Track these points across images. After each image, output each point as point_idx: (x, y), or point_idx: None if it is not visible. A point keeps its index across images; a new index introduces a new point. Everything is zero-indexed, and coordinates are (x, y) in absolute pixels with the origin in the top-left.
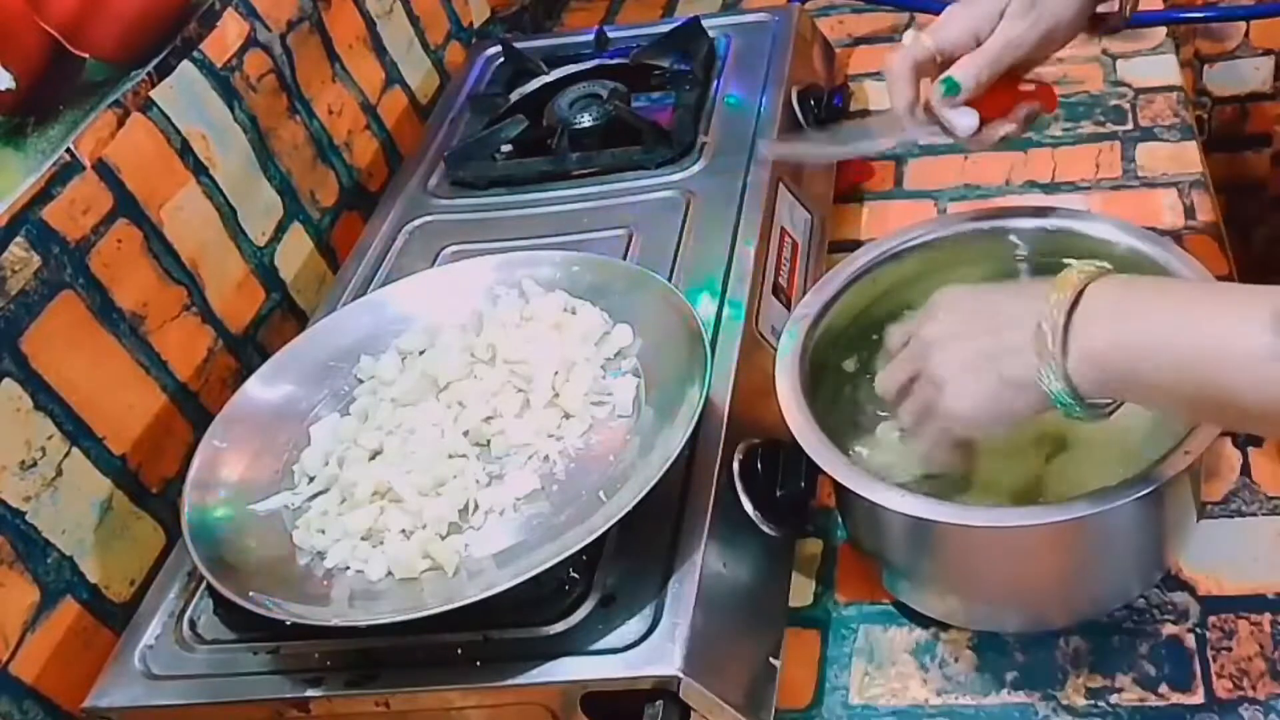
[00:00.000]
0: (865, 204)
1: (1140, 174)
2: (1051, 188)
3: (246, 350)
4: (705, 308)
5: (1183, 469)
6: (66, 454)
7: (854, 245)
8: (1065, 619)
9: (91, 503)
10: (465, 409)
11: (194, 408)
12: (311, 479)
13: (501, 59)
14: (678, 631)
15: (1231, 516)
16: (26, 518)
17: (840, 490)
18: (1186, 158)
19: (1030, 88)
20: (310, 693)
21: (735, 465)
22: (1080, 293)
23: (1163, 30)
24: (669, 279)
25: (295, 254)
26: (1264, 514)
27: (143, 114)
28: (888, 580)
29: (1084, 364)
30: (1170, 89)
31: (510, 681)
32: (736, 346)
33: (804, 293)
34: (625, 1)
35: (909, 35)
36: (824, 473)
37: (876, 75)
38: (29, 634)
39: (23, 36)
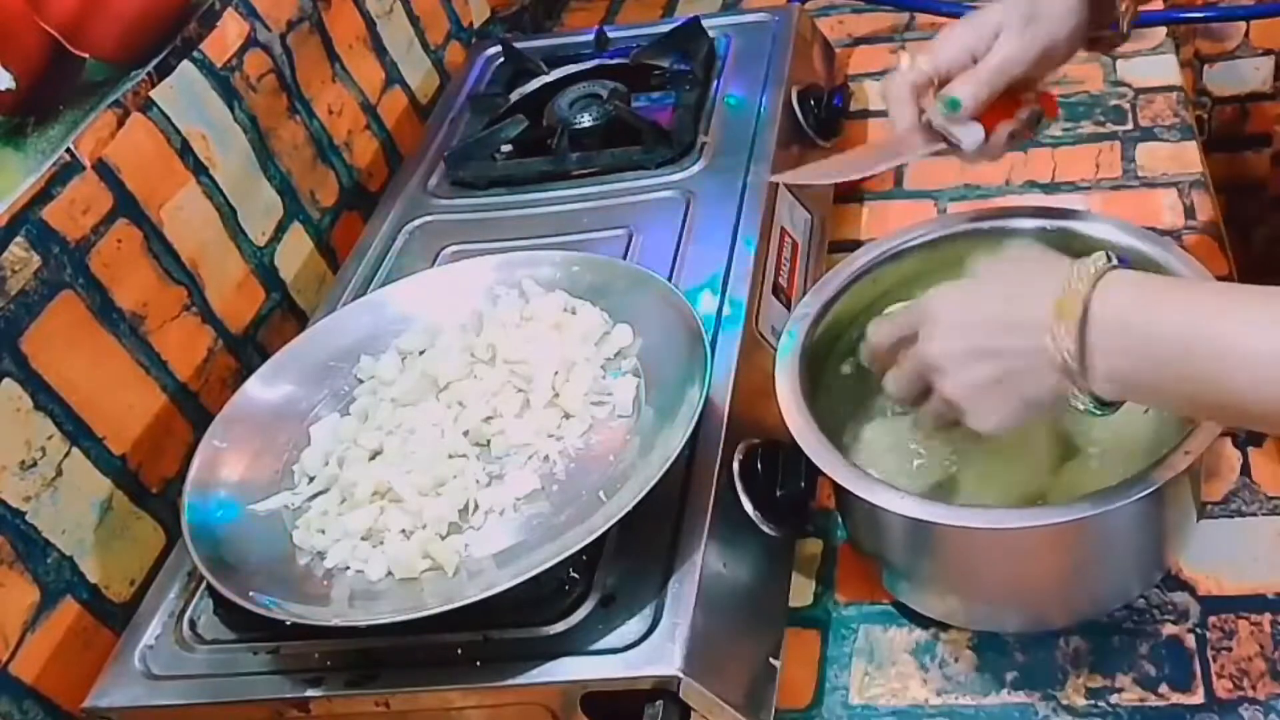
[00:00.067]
0: (865, 204)
1: (1140, 174)
2: (1051, 188)
3: (246, 350)
4: (705, 308)
5: (1183, 469)
6: (66, 454)
7: (854, 245)
8: (1065, 619)
9: (91, 503)
10: (465, 409)
11: (194, 408)
12: (311, 479)
13: (501, 59)
14: (678, 631)
15: (1231, 516)
16: (26, 518)
17: (840, 491)
18: (1186, 158)
19: (1031, 96)
20: (310, 693)
21: (735, 465)
22: (1087, 309)
23: (1163, 30)
24: (669, 279)
25: (295, 254)
26: (1264, 514)
27: (143, 114)
28: (887, 581)
29: (1109, 383)
30: (1170, 89)
31: (510, 681)
32: (736, 346)
33: (804, 293)
34: (625, 1)
35: (905, 57)
36: (824, 474)
37: (876, 75)
38: (29, 634)
39: (23, 36)
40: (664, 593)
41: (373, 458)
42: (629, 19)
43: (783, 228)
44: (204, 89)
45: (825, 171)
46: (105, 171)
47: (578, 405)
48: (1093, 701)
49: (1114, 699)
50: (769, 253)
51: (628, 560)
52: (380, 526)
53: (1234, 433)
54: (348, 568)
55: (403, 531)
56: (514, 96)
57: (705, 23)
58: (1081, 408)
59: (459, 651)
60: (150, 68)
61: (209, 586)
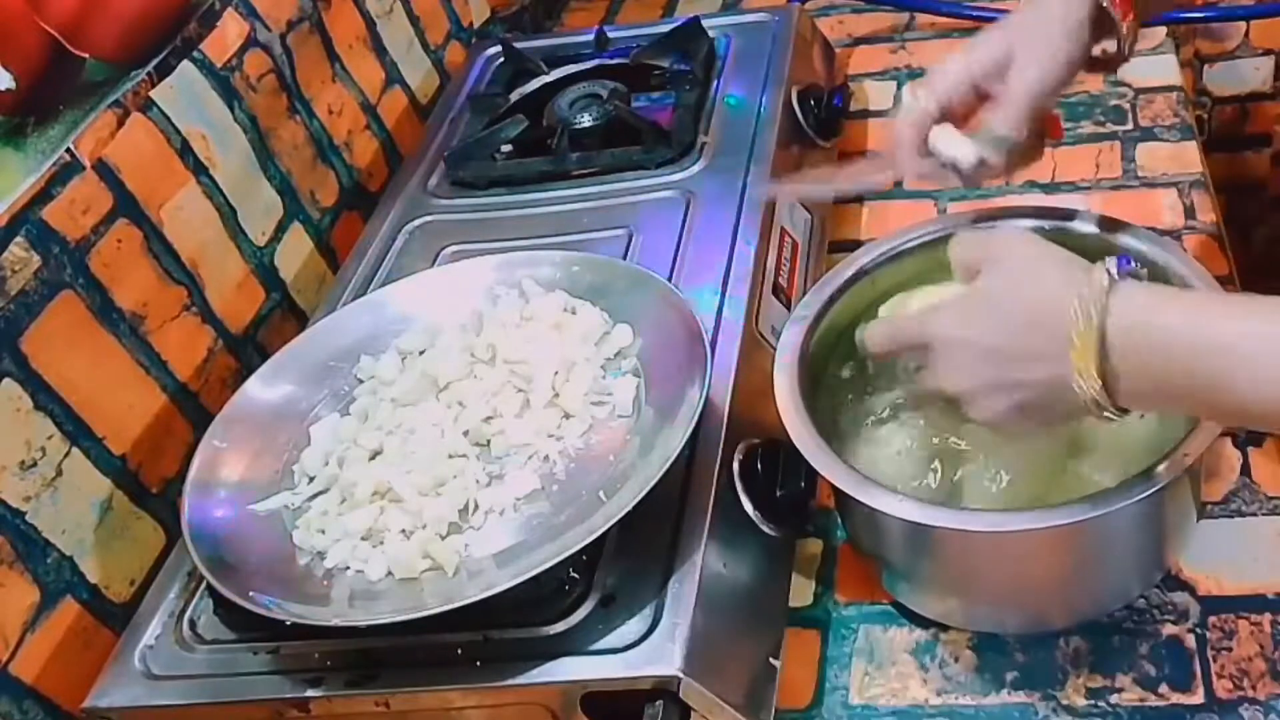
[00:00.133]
0: (865, 204)
1: (1140, 174)
2: (1051, 188)
3: (246, 350)
4: (705, 308)
5: (1182, 470)
6: (66, 454)
7: (854, 245)
8: (1066, 620)
9: (91, 503)
10: (465, 409)
11: (194, 408)
12: (311, 479)
13: (501, 59)
14: (678, 631)
15: (1231, 516)
16: (26, 518)
17: (839, 492)
18: (1186, 158)
19: None
20: (310, 693)
21: (735, 465)
22: (1104, 340)
23: (1163, 30)
24: (669, 279)
25: (295, 254)
26: (1264, 514)
27: (143, 114)
28: (887, 581)
29: (1131, 400)
30: (1170, 89)
31: (510, 681)
32: (736, 346)
33: (804, 293)
34: (625, 1)
35: (906, 94)
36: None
37: (876, 75)
38: (29, 634)
39: (23, 36)
40: (664, 593)
41: (373, 458)
42: (629, 19)
43: (783, 228)
44: (204, 89)
45: (822, 184)
46: (105, 171)
47: (578, 405)
48: (1093, 701)
49: (1114, 699)
50: (769, 253)
51: (628, 560)
52: (380, 526)
53: (1234, 433)
54: (348, 568)
55: (403, 531)
56: (514, 96)
57: (705, 23)
58: (1105, 418)
59: (459, 651)
60: (150, 68)
61: (209, 586)
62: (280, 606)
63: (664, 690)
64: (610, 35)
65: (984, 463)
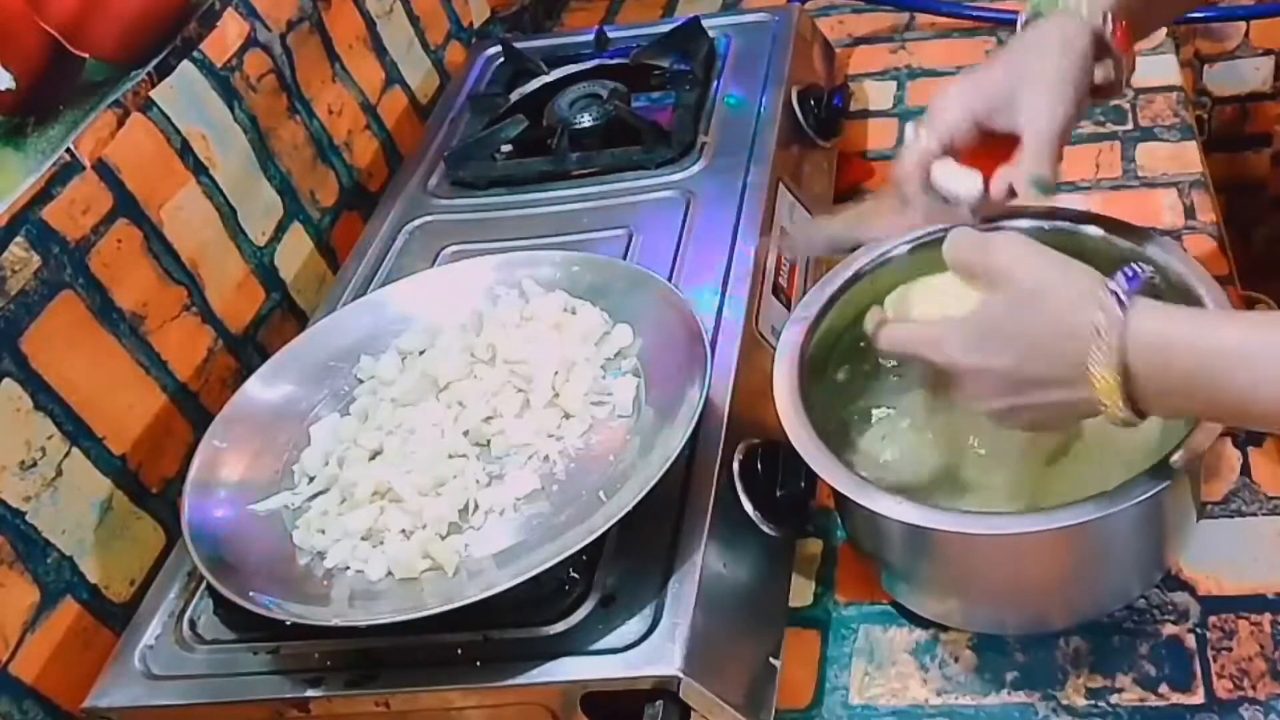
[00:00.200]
0: None
1: (1140, 174)
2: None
3: (246, 350)
4: (705, 308)
5: (1183, 470)
6: (66, 454)
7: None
8: (1066, 620)
9: (91, 503)
10: (465, 409)
11: (194, 408)
12: (311, 479)
13: (501, 59)
14: (678, 631)
15: (1231, 516)
16: (26, 518)
17: (839, 493)
18: (1186, 158)
19: None
20: (310, 693)
21: (735, 465)
22: (1126, 367)
23: (1163, 30)
24: (669, 279)
25: (295, 254)
26: (1264, 514)
27: (143, 114)
28: (887, 582)
29: (1158, 412)
30: (1170, 89)
31: (510, 681)
32: (736, 346)
33: (804, 293)
34: (625, 1)
35: (909, 131)
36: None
37: (876, 75)
38: (29, 634)
39: (23, 36)
40: (664, 593)
41: (373, 458)
42: (629, 19)
43: (783, 228)
44: (204, 89)
45: (843, 235)
46: (105, 171)
47: (578, 405)
48: (1093, 701)
49: (1114, 699)
50: (769, 253)
51: (628, 560)
52: (380, 526)
53: (1234, 433)
54: (348, 568)
55: (403, 531)
56: (514, 96)
57: (705, 23)
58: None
59: (459, 651)
60: (150, 68)
61: (209, 586)
62: (280, 606)
63: (664, 690)
64: (610, 35)
65: (984, 462)
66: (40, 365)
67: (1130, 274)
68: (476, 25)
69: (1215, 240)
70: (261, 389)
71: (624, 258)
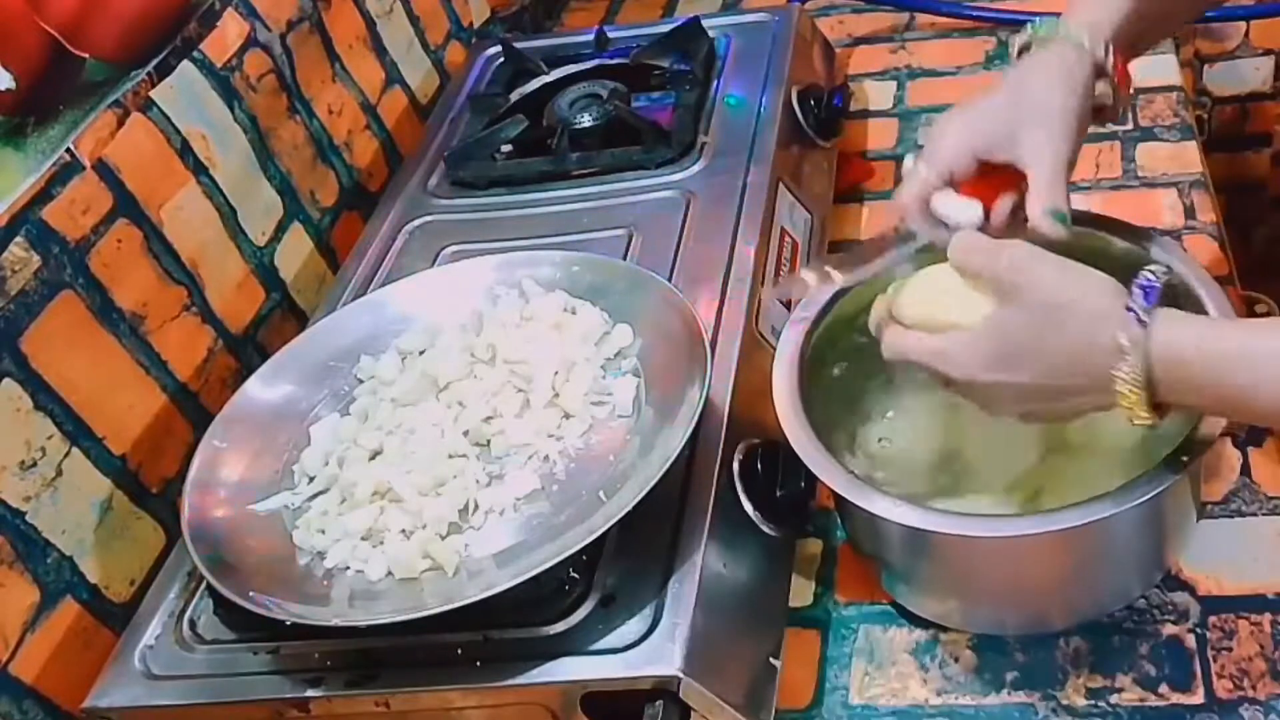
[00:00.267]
0: (865, 204)
1: (1140, 174)
2: None
3: (246, 350)
4: (705, 308)
5: (1183, 471)
6: (66, 454)
7: (854, 245)
8: (1066, 620)
9: (91, 503)
10: (465, 409)
11: (194, 408)
12: (311, 479)
13: (501, 59)
14: (678, 631)
15: (1231, 516)
16: (26, 518)
17: (839, 493)
18: (1186, 158)
19: None
20: (310, 693)
21: (735, 465)
22: (1150, 379)
23: None
24: (669, 279)
25: (295, 254)
26: (1264, 514)
27: (143, 114)
28: (886, 582)
29: (1180, 410)
30: (1170, 89)
31: (510, 681)
32: (736, 346)
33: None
34: (625, 1)
35: (908, 163)
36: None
37: (876, 75)
38: (29, 634)
39: (23, 36)
40: (664, 593)
41: (373, 458)
42: (629, 19)
43: (783, 228)
44: (204, 89)
45: (824, 281)
46: (105, 171)
47: (578, 405)
48: (1093, 701)
49: (1114, 699)
50: (769, 253)
51: (628, 560)
52: (380, 526)
53: (1234, 433)
54: (348, 568)
55: (403, 531)
56: (514, 96)
57: (705, 23)
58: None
59: (459, 651)
60: (150, 68)
61: (209, 586)
62: (280, 606)
63: (664, 690)
64: (610, 35)
65: (984, 462)
66: (40, 365)
67: (1146, 286)
68: (476, 25)
69: (1215, 240)
70: (261, 389)
71: (624, 258)
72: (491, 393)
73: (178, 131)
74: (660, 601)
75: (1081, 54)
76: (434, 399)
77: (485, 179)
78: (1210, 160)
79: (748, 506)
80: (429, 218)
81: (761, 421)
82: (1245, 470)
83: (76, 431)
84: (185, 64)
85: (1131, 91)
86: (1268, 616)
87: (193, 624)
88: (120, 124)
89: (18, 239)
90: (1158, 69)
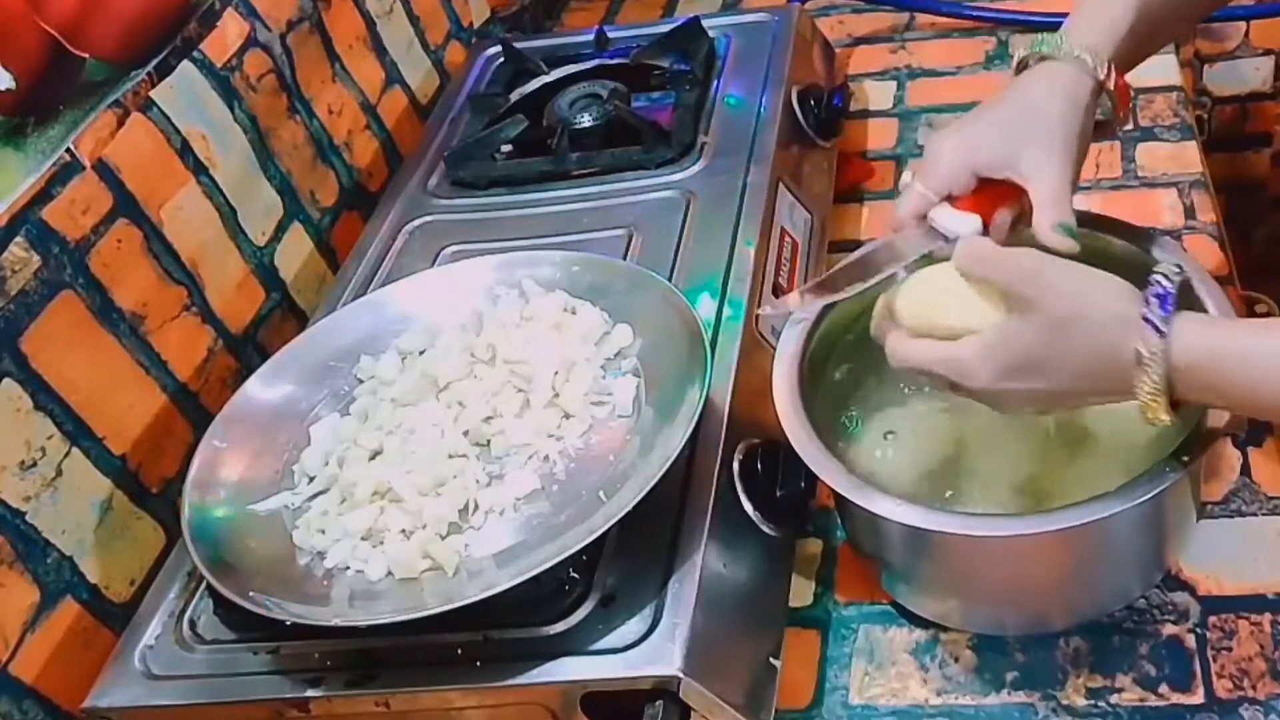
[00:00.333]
0: (865, 204)
1: (1140, 174)
2: None
3: (246, 350)
4: (705, 308)
5: (1183, 471)
6: (66, 454)
7: (854, 245)
8: (1066, 620)
9: (91, 503)
10: (465, 409)
11: (194, 408)
12: (311, 479)
13: (501, 59)
14: (678, 631)
15: (1231, 516)
16: (26, 518)
17: (839, 493)
18: (1186, 158)
19: None
20: (310, 693)
21: (735, 465)
22: (1170, 383)
23: None
24: (669, 279)
25: (295, 254)
26: (1264, 514)
27: (143, 114)
28: (886, 582)
29: (1196, 406)
30: (1170, 89)
31: (510, 681)
32: (736, 346)
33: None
34: (625, 1)
35: (906, 178)
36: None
37: (876, 75)
38: (29, 634)
39: (23, 36)
40: (664, 593)
41: (373, 458)
42: (629, 19)
43: (783, 228)
44: (204, 89)
45: (815, 296)
46: (105, 171)
47: (578, 405)
48: (1093, 701)
49: (1114, 699)
50: (769, 253)
51: (628, 560)
52: (380, 526)
53: (1234, 433)
54: (348, 568)
55: (403, 531)
56: (514, 96)
57: (705, 23)
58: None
59: (459, 651)
60: (150, 68)
61: (209, 586)
62: (280, 606)
63: (664, 690)
64: (610, 35)
65: (986, 462)
66: (40, 365)
67: (1162, 294)
68: (476, 25)
69: (1215, 240)
70: (261, 389)
71: (624, 258)
72: (491, 393)
73: (178, 131)
74: (660, 601)
75: (1084, 73)
76: (434, 399)
77: (485, 179)
78: (1210, 160)
79: (748, 506)
80: (429, 218)
81: (761, 421)
82: (1245, 470)
83: (76, 431)
84: (185, 64)
85: (1130, 107)
86: (1268, 616)
87: (193, 624)
88: (120, 124)
89: (18, 239)
90: (1158, 69)
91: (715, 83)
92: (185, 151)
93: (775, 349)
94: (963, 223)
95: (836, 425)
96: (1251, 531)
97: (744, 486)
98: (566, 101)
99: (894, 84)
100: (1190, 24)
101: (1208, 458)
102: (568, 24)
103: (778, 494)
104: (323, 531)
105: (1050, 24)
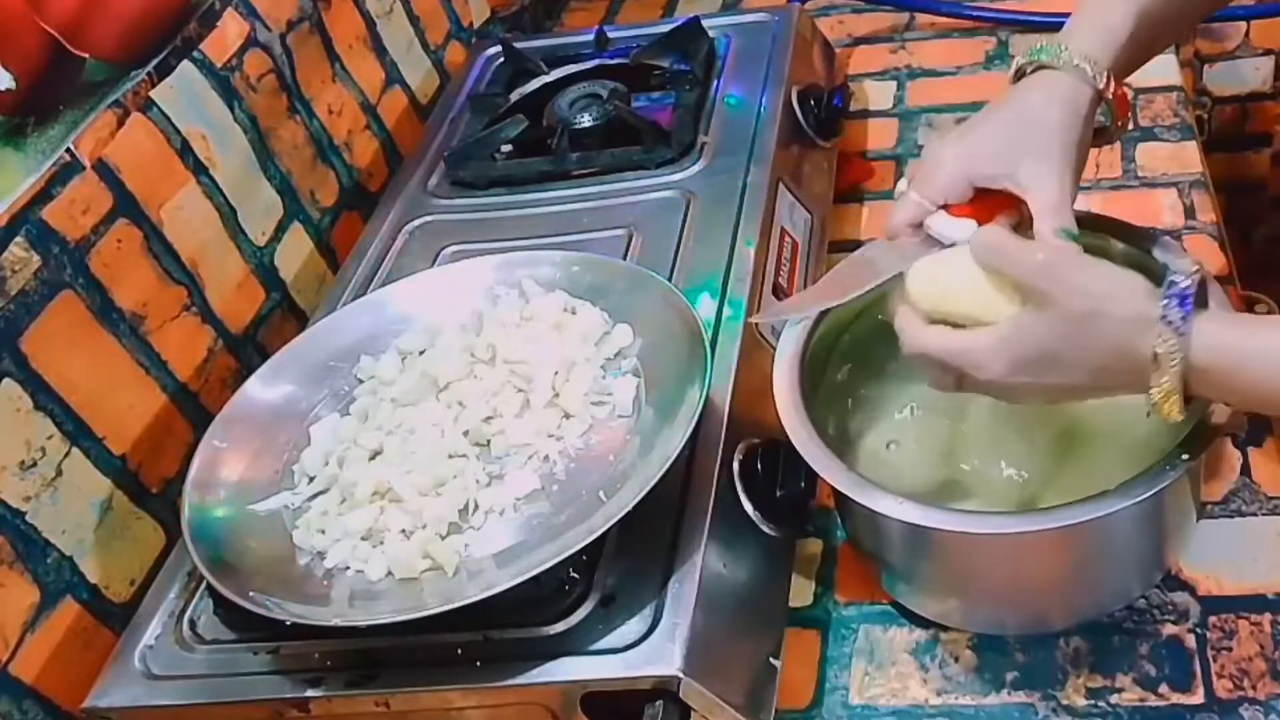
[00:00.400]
0: (865, 204)
1: (1140, 174)
2: None
3: (246, 350)
4: (705, 308)
5: (1183, 470)
6: (66, 454)
7: (854, 245)
8: (1066, 620)
9: (91, 503)
10: (465, 409)
11: (194, 408)
12: (311, 479)
13: (501, 59)
14: (678, 631)
15: (1231, 516)
16: (26, 518)
17: (839, 492)
18: (1186, 158)
19: None
20: (310, 693)
21: (735, 465)
22: (1186, 381)
23: None
24: (669, 279)
25: (295, 254)
26: (1264, 514)
27: (143, 114)
28: (887, 582)
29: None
30: (1170, 89)
31: (510, 681)
32: (736, 346)
33: None
34: (625, 1)
35: (902, 185)
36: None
37: (877, 75)
38: (29, 634)
39: (23, 36)
40: (664, 593)
41: (373, 458)
42: (629, 19)
43: (783, 228)
44: (204, 89)
45: (812, 301)
46: (105, 171)
47: (578, 405)
48: (1093, 701)
49: (1114, 699)
50: (769, 253)
51: (628, 560)
52: (380, 526)
53: (1234, 433)
54: (348, 568)
55: (403, 531)
56: (514, 96)
57: (705, 23)
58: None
59: (459, 651)
60: (150, 68)
61: (209, 586)
62: (280, 606)
63: (664, 690)
64: (610, 35)
65: (986, 461)
66: (40, 365)
67: (1181, 294)
68: (476, 25)
69: (1215, 240)
70: (261, 389)
71: (624, 258)
72: (491, 393)
73: (178, 131)
74: (660, 601)
75: (1082, 81)
76: (434, 399)
77: (485, 179)
78: (1210, 160)
79: (748, 506)
80: (429, 218)
81: (761, 421)
82: (1245, 470)
83: (76, 431)
84: (185, 64)
85: (1129, 115)
86: (1268, 616)
87: (193, 624)
88: (120, 124)
89: (18, 239)
90: (1158, 69)
91: (715, 83)
92: (185, 151)
93: (775, 349)
94: (959, 229)
95: (837, 425)
96: (1251, 531)
97: (744, 486)
98: (566, 101)
99: (894, 84)
100: (1190, 26)
101: (1208, 457)
102: (568, 24)
103: (778, 494)
104: (323, 531)
105: (1050, 24)
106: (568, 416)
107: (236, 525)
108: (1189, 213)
